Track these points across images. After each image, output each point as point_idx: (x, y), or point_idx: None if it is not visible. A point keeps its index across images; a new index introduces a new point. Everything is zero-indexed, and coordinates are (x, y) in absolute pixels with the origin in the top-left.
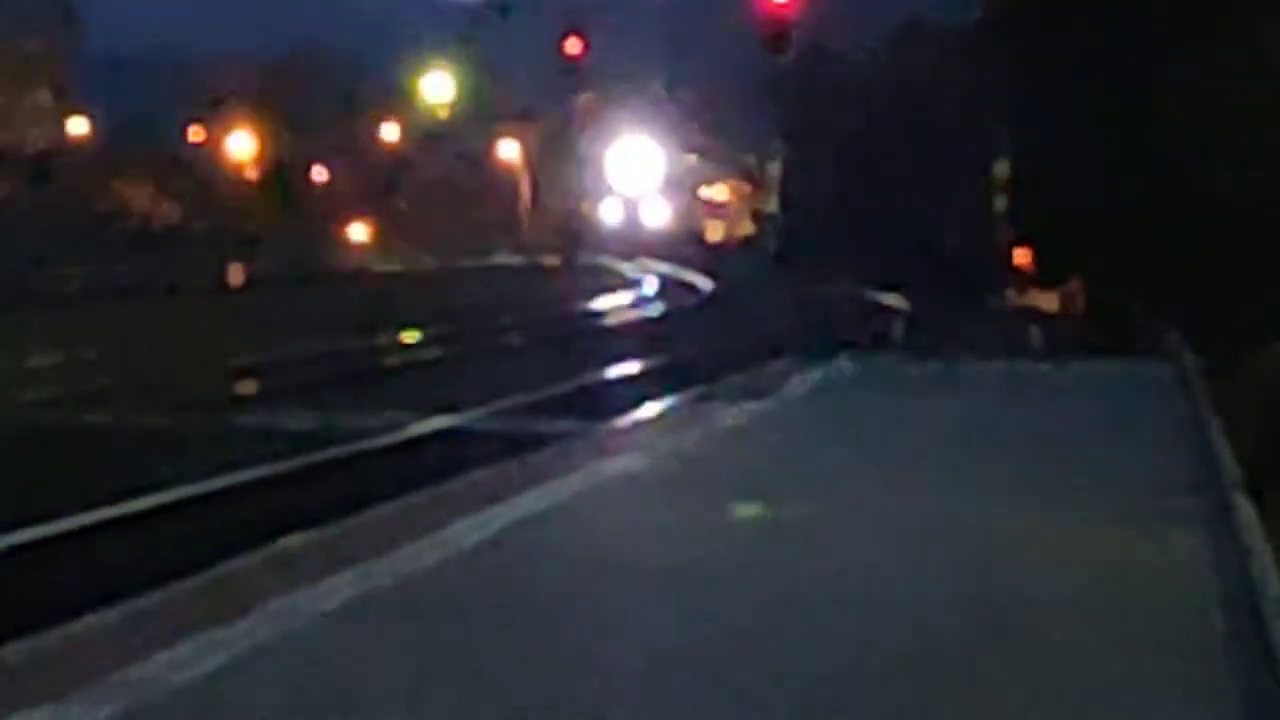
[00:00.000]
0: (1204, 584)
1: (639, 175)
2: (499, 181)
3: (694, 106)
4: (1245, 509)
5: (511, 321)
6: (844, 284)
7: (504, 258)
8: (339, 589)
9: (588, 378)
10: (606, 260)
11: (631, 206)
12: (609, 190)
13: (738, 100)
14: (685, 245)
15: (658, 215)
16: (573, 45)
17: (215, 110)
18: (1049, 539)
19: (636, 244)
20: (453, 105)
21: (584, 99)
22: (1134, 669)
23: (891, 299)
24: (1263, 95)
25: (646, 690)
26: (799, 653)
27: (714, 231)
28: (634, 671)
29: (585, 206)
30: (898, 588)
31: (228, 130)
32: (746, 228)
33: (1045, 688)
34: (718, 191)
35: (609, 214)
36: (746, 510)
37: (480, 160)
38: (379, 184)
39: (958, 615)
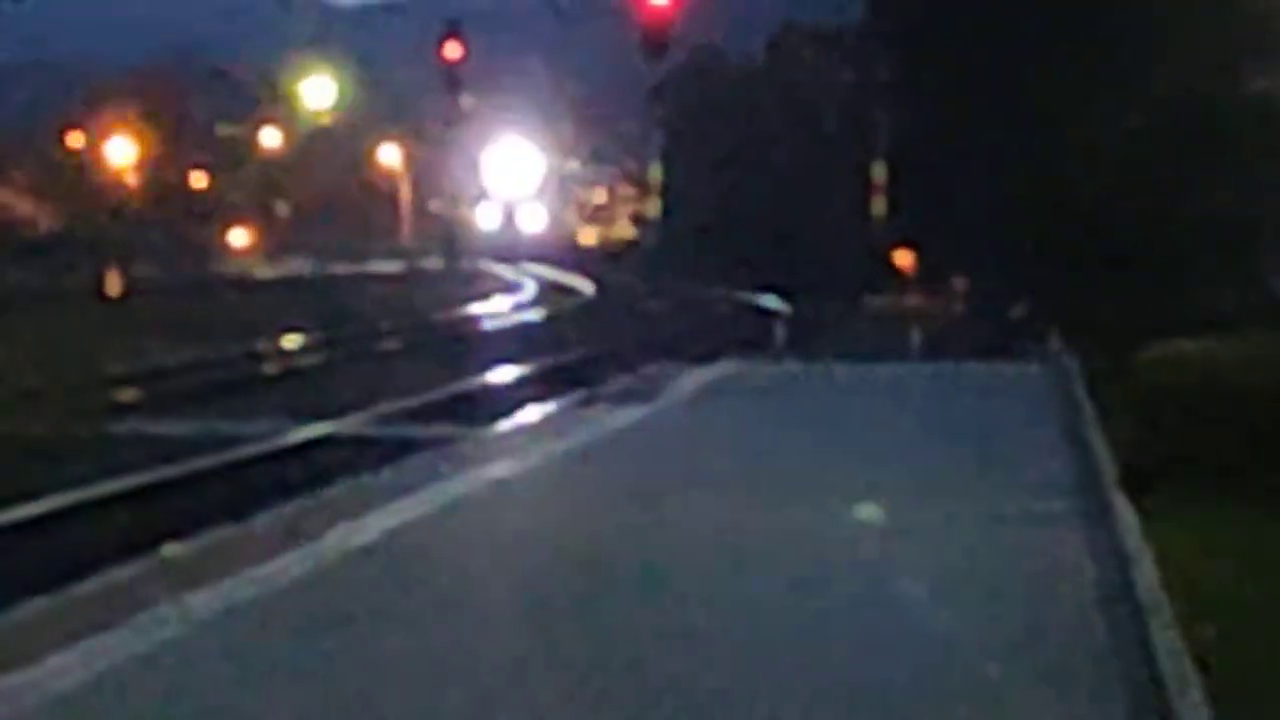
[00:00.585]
0: (1082, 583)
1: (516, 179)
2: (380, 186)
3: (575, 110)
4: (1124, 510)
5: (391, 327)
6: (725, 287)
7: (384, 263)
8: (214, 598)
9: (468, 383)
10: (486, 265)
11: (509, 211)
12: (486, 194)
13: (619, 103)
14: (563, 249)
15: (535, 219)
16: (452, 49)
17: (92, 114)
18: (923, 540)
19: (515, 248)
20: (334, 110)
21: (464, 102)
22: (1010, 663)
23: (772, 302)
24: (1143, 98)
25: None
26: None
27: (587, 236)
28: (474, 676)
29: (464, 211)
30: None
31: (106, 135)
32: (626, 231)
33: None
34: (597, 195)
35: (486, 218)
36: (620, 517)
37: (361, 165)
38: (259, 190)
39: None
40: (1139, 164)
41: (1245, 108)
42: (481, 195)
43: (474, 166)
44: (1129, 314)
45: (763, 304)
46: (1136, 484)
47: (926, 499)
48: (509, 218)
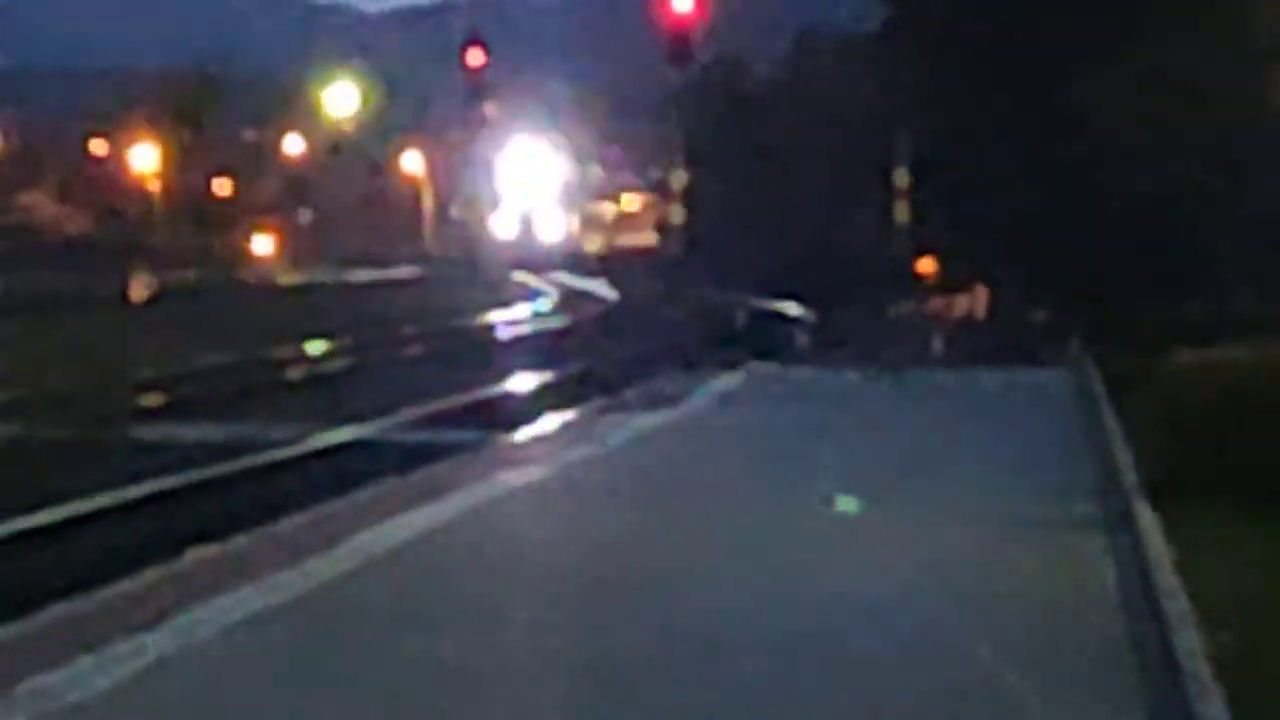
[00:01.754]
0: (1106, 589)
1: (536, 186)
2: (402, 193)
3: (598, 118)
4: (1147, 517)
5: (414, 332)
6: (749, 294)
7: (407, 269)
8: (242, 603)
9: (493, 389)
10: (508, 272)
11: (527, 218)
12: (506, 202)
13: (642, 111)
14: (582, 256)
15: (554, 227)
16: (474, 56)
17: (119, 122)
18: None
19: (535, 255)
20: (356, 117)
21: (487, 109)
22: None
23: (796, 309)
24: (1168, 106)
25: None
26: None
27: (592, 243)
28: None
29: (484, 218)
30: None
31: (131, 142)
32: (647, 238)
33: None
34: (626, 203)
35: (505, 226)
36: (640, 519)
37: (383, 172)
38: (283, 196)
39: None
40: (1163, 170)
41: (1275, 114)
42: (501, 202)
43: (492, 173)
44: (1155, 321)
45: (786, 310)
46: (1160, 492)
47: (947, 506)
48: (527, 226)
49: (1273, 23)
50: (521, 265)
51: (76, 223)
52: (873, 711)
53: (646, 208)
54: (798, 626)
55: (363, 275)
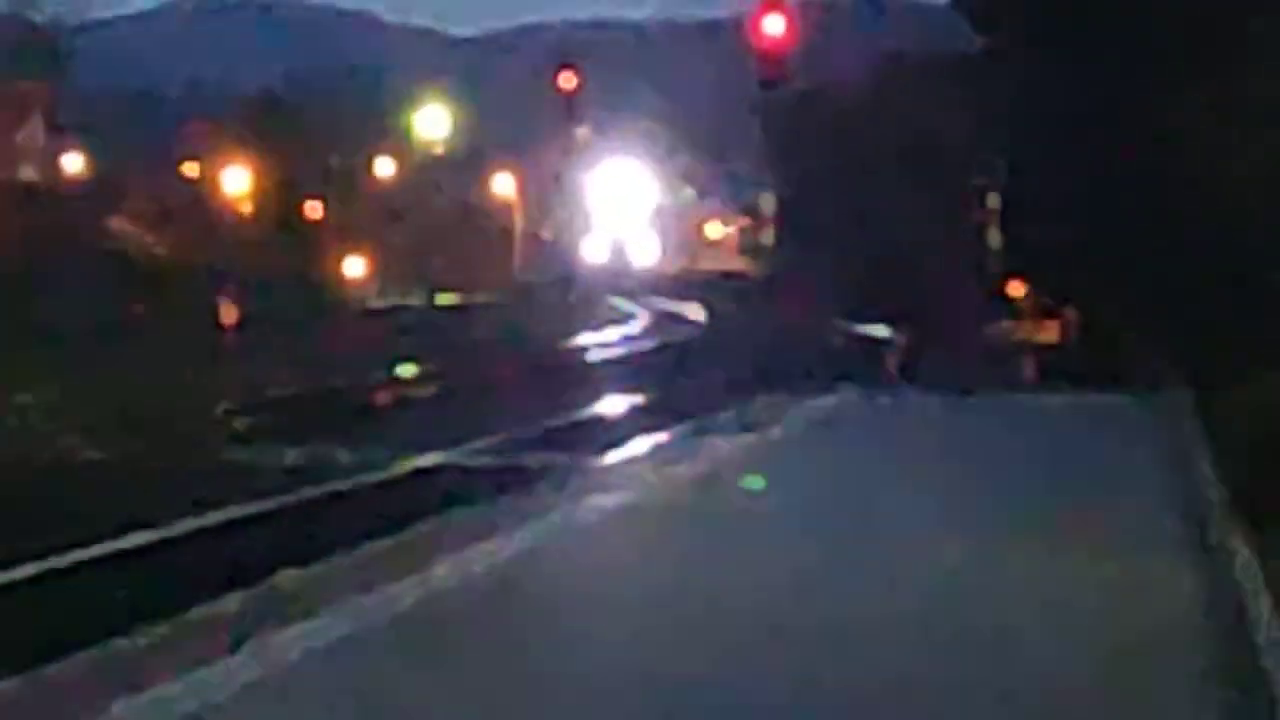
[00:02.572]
0: (1199, 616)
1: (628, 210)
2: (494, 216)
3: (690, 142)
4: (1240, 543)
5: (503, 356)
6: (840, 318)
7: (496, 294)
8: (330, 627)
9: (585, 412)
10: (598, 294)
11: (618, 242)
12: (596, 225)
13: (734, 136)
14: (672, 279)
15: (647, 251)
16: (567, 79)
17: (211, 145)
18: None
19: (627, 279)
20: (447, 140)
21: (580, 133)
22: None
23: (886, 332)
24: (1263, 129)
25: None
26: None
27: (683, 266)
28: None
29: (576, 241)
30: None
31: (222, 165)
32: (738, 262)
33: None
34: (712, 229)
35: (594, 250)
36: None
37: (474, 195)
38: (374, 219)
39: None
40: (1264, 194)
41: None
42: (591, 225)
43: (584, 197)
44: (1247, 347)
45: (877, 334)
46: (1252, 518)
47: (1033, 531)
48: (619, 250)
49: None
50: (611, 288)
51: (167, 247)
52: None
53: (738, 231)
54: None
55: (456, 299)
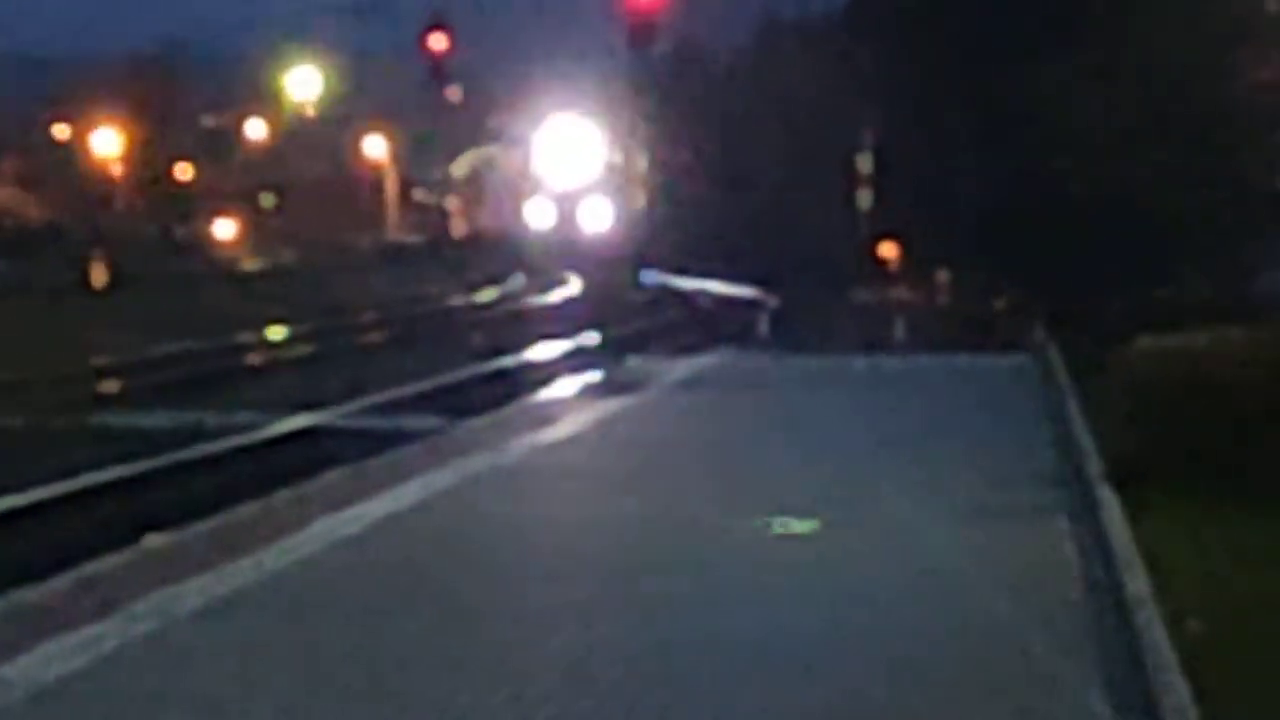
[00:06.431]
0: (1068, 576)
1: (573, 169)
2: (364, 178)
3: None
4: (1110, 502)
5: (376, 319)
6: (710, 280)
7: (368, 255)
8: (202, 589)
9: (454, 374)
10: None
11: (567, 206)
12: (541, 186)
13: (604, 97)
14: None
15: (600, 216)
16: (437, 41)
17: (79, 105)
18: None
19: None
20: (318, 101)
21: (450, 94)
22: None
23: (757, 294)
24: (1130, 92)
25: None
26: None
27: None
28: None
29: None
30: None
31: (93, 127)
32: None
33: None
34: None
35: (541, 213)
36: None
37: (345, 157)
38: (245, 181)
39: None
40: (1126, 157)
41: (1233, 101)
42: (535, 187)
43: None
44: (1114, 308)
45: (748, 296)
46: (1123, 478)
47: (907, 489)
48: (566, 214)
49: (1228, 5)
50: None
51: (37, 209)
52: None
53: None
54: None
55: (326, 260)
